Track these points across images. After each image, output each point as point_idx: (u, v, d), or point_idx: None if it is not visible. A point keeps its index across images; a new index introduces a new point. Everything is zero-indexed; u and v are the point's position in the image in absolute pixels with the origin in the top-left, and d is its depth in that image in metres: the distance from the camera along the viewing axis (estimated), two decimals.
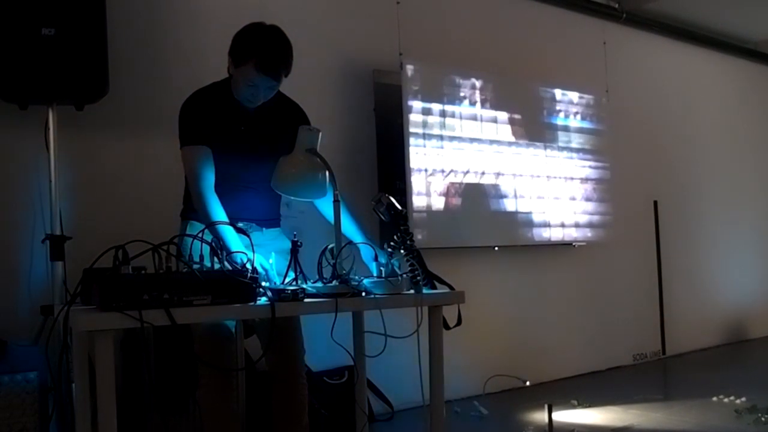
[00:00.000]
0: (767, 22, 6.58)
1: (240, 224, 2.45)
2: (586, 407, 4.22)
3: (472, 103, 4.68)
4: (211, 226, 2.26)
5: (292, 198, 2.66)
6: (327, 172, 2.40)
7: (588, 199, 5.34)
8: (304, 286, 2.17)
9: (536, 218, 4.98)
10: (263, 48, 2.42)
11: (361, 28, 4.38)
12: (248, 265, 2.07)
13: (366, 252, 2.43)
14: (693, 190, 6.49)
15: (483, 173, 4.69)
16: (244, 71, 2.43)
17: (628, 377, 5.35)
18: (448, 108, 4.54)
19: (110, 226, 3.27)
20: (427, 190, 4.37)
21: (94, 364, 1.83)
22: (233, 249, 2.20)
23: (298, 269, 2.28)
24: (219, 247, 2.06)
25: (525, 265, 5.09)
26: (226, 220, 2.32)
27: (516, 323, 5.00)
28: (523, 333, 5.03)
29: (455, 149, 4.55)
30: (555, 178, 5.12)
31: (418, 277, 2.30)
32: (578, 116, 5.33)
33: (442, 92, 4.53)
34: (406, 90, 4.29)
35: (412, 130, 4.30)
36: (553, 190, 5.10)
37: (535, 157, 5.00)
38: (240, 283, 1.97)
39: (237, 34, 2.48)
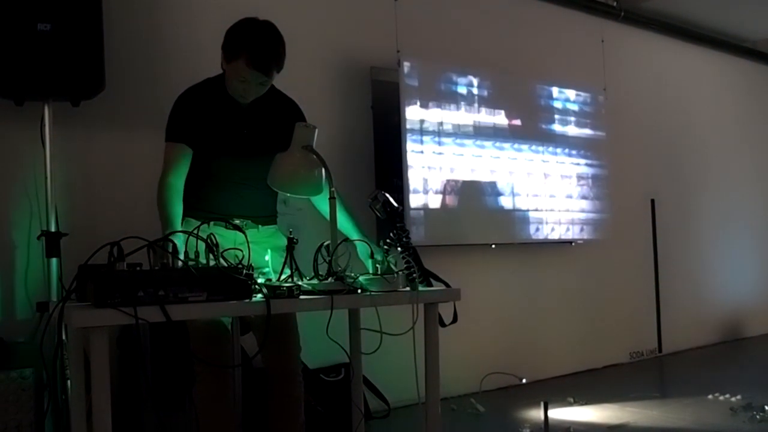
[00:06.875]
0: (765, 21, 6.59)
1: (236, 221, 2.46)
2: (582, 405, 4.23)
3: (470, 101, 4.68)
4: (201, 223, 2.25)
5: (289, 195, 2.66)
6: (323, 169, 2.40)
7: (585, 197, 5.35)
8: (300, 283, 2.17)
9: (533, 216, 4.98)
10: (254, 43, 2.41)
11: (358, 26, 4.38)
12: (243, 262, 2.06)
13: (362, 249, 2.43)
14: (690, 188, 6.50)
15: (480, 170, 4.68)
16: (236, 66, 2.42)
17: (625, 375, 5.36)
18: (446, 105, 4.54)
19: (106, 223, 3.27)
20: (424, 188, 4.37)
21: (89, 360, 1.83)
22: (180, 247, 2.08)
23: (294, 266, 2.27)
24: (215, 244, 2.05)
25: (522, 262, 5.09)
26: (179, 219, 2.35)
27: (512, 321, 5.00)
28: (519, 330, 5.03)
29: (452, 146, 4.54)
30: (552, 175, 5.12)
31: (414, 275, 2.30)
32: (576, 114, 5.33)
33: (439, 89, 4.53)
34: (404, 87, 4.29)
35: (409, 127, 4.29)
36: (550, 187, 5.10)
37: (532, 154, 5.00)
38: (235, 279, 1.97)
39: (229, 29, 2.47)
